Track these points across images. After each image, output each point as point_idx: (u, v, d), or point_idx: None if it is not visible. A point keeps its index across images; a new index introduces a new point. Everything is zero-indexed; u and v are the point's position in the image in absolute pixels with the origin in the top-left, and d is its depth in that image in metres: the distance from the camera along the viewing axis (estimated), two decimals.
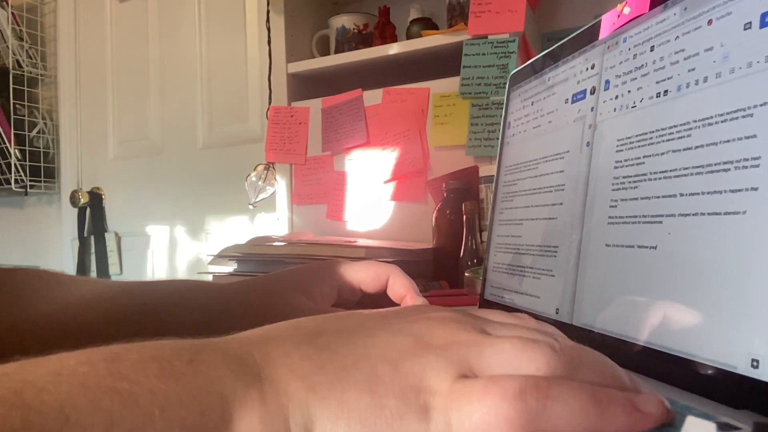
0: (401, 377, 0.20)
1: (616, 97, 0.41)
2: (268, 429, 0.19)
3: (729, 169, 0.29)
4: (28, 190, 1.96)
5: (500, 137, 0.59)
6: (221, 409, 0.18)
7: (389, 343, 0.22)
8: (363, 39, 1.32)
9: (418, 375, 0.20)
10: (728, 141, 0.30)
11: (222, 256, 0.97)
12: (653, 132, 0.36)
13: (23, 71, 1.95)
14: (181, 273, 1.80)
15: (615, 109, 0.40)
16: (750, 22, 0.30)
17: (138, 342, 0.20)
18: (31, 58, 1.99)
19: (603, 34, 0.44)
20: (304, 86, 1.39)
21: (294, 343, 0.22)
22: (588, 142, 0.43)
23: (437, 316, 0.24)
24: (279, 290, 0.42)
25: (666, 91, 0.35)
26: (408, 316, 0.24)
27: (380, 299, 0.44)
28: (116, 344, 0.19)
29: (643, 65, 0.38)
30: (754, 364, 0.26)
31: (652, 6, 0.39)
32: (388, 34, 1.30)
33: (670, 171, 0.33)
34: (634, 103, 0.38)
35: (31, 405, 0.15)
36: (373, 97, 1.23)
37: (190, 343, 0.20)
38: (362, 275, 0.43)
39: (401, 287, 0.43)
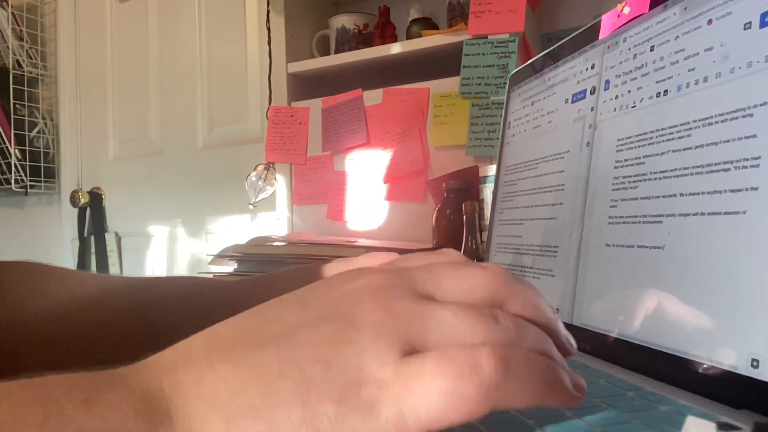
0: (335, 375, 0.18)
1: (616, 96, 0.41)
2: None
3: (729, 169, 0.29)
4: (28, 190, 1.96)
5: (500, 137, 0.59)
6: None
7: (315, 334, 0.19)
8: (363, 39, 1.32)
9: (355, 366, 0.18)
10: (728, 141, 0.30)
11: (222, 256, 0.98)
12: (653, 132, 0.36)
13: (23, 71, 1.95)
14: (181, 273, 1.79)
15: (615, 109, 0.40)
16: (750, 22, 0.30)
17: (31, 378, 0.17)
18: (31, 58, 1.99)
19: (603, 34, 0.44)
20: (304, 86, 1.39)
21: (208, 363, 0.19)
22: (588, 142, 0.43)
23: (362, 285, 0.21)
24: (284, 288, 0.42)
25: (666, 91, 0.35)
26: (330, 291, 0.21)
27: None
28: (1, 381, 0.17)
29: (643, 65, 0.38)
30: (754, 364, 0.26)
31: (652, 6, 0.39)
32: (388, 34, 1.30)
33: (670, 171, 0.33)
34: (634, 102, 0.38)
35: None
36: (373, 97, 1.23)
37: (89, 378, 0.18)
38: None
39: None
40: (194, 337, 0.21)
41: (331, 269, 0.42)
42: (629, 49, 0.40)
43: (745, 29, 0.30)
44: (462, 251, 0.89)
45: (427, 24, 1.27)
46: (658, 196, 0.34)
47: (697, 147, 0.32)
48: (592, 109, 0.43)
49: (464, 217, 0.89)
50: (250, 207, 1.42)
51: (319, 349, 0.18)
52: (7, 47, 1.91)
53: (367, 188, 1.24)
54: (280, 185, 1.36)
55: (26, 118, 1.95)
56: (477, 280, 0.21)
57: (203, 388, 0.18)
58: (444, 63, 1.17)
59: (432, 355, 0.18)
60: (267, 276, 0.44)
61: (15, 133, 1.91)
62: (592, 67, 0.44)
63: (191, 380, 0.18)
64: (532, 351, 0.19)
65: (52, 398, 0.16)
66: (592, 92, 0.44)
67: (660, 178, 0.34)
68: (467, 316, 0.19)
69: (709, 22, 0.33)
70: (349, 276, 0.22)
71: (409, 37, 1.26)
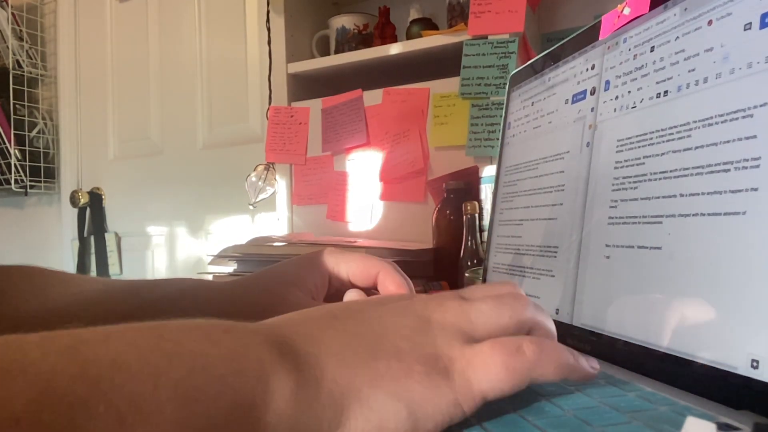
0: (418, 348, 0.24)
1: (617, 97, 0.41)
2: (303, 393, 0.20)
3: (729, 170, 0.29)
4: (28, 190, 1.96)
5: (500, 137, 0.59)
6: (258, 370, 0.20)
7: (396, 323, 0.25)
8: (363, 39, 1.32)
9: (431, 345, 0.24)
10: (728, 141, 0.30)
11: (222, 256, 0.97)
12: (653, 132, 0.36)
13: (23, 71, 1.95)
14: (181, 273, 1.79)
15: (615, 110, 0.40)
16: (750, 23, 0.30)
17: (171, 320, 0.21)
18: (31, 58, 1.99)
19: (603, 34, 0.44)
20: (304, 86, 1.39)
21: (317, 328, 0.24)
22: (588, 143, 0.43)
23: (422, 298, 0.28)
24: (276, 288, 0.42)
25: (666, 92, 0.35)
26: (398, 301, 0.28)
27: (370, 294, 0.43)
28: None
29: (643, 66, 0.38)
30: (754, 364, 0.26)
31: (652, 6, 0.39)
32: (388, 35, 1.30)
33: (670, 171, 0.33)
34: (634, 103, 0.38)
35: (87, 356, 0.17)
36: (373, 97, 1.23)
37: (222, 320, 0.22)
38: (352, 267, 0.42)
39: (393, 285, 0.40)
40: (290, 314, 0.26)
41: (324, 255, 0.43)
42: (629, 50, 0.40)
43: (745, 30, 0.30)
44: (462, 251, 0.89)
45: (427, 24, 1.27)
46: (658, 197, 0.34)
47: (697, 147, 0.32)
48: (592, 109, 0.43)
49: (464, 217, 0.89)
50: (250, 207, 1.42)
51: (402, 332, 0.25)
52: (7, 47, 1.91)
53: (367, 188, 1.24)
54: (280, 185, 1.36)
55: (26, 118, 1.95)
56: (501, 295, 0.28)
57: (317, 340, 0.23)
58: (444, 63, 1.17)
59: (487, 342, 0.25)
60: (262, 274, 0.44)
61: (15, 133, 1.91)
62: (593, 68, 0.44)
63: (306, 333, 0.23)
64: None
65: (201, 328, 0.21)
66: (592, 93, 0.44)
67: (660, 179, 0.34)
68: (495, 303, 0.27)
69: (710, 22, 0.33)
70: (406, 294, 0.31)
71: (409, 37, 1.26)
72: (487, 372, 0.23)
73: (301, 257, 0.44)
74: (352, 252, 0.43)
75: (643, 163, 0.36)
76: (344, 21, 1.33)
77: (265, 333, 0.22)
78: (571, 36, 0.48)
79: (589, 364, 0.26)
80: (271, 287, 0.42)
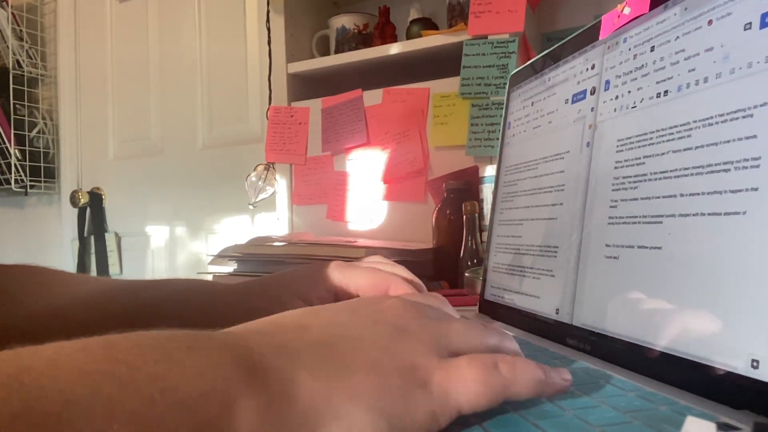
0: (396, 358, 0.23)
1: (617, 97, 0.41)
2: (274, 413, 0.19)
3: (729, 170, 0.29)
4: (28, 190, 1.96)
5: (500, 137, 0.59)
6: (224, 393, 0.18)
7: (373, 332, 0.24)
8: (363, 39, 1.32)
9: (408, 357, 0.24)
10: (728, 141, 0.30)
11: (222, 256, 0.97)
12: (653, 132, 0.36)
13: (23, 71, 1.95)
14: (181, 273, 1.79)
15: (615, 110, 0.40)
16: (750, 23, 0.30)
17: (132, 332, 0.19)
18: (31, 58, 1.99)
19: (603, 34, 0.44)
20: (304, 86, 1.39)
21: (288, 338, 0.23)
22: (588, 143, 0.43)
23: (395, 304, 0.27)
24: (277, 295, 0.42)
25: (666, 92, 0.35)
26: (373, 305, 0.27)
27: None
28: (110, 334, 0.19)
29: (643, 65, 0.38)
30: (754, 364, 0.26)
31: (652, 6, 0.39)
32: (388, 34, 1.30)
33: (671, 171, 0.33)
34: (635, 103, 0.38)
35: (31, 389, 0.15)
36: (373, 97, 1.23)
37: (183, 333, 0.20)
38: (361, 282, 0.42)
39: None
40: (260, 320, 0.25)
41: (332, 268, 0.42)
42: (629, 50, 0.40)
43: (745, 30, 0.30)
44: (462, 251, 0.89)
45: (427, 24, 1.27)
46: (659, 197, 0.34)
47: (697, 147, 0.32)
48: (592, 109, 0.43)
49: (464, 217, 0.89)
50: (250, 207, 1.42)
51: (379, 343, 0.24)
52: (7, 47, 1.91)
53: (367, 188, 1.24)
54: (280, 185, 1.36)
55: (26, 118, 1.95)
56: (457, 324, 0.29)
57: (288, 352, 0.21)
58: (444, 63, 1.17)
59: (465, 357, 0.25)
60: (264, 281, 0.44)
61: (15, 133, 1.91)
62: (593, 68, 0.44)
63: (277, 345, 0.22)
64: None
65: (159, 344, 0.19)
66: (593, 92, 0.44)
67: (660, 179, 0.34)
68: (467, 327, 0.27)
69: (710, 22, 0.33)
70: (378, 299, 0.29)
71: (409, 37, 1.26)
72: (465, 386, 0.23)
73: (308, 268, 0.44)
74: (360, 266, 0.43)
75: (643, 163, 0.36)
76: (344, 21, 1.33)
77: (232, 347, 0.20)
78: (571, 36, 0.48)
79: (561, 377, 0.26)
80: (273, 295, 0.42)
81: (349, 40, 1.32)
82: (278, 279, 0.43)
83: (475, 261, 0.87)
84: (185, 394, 0.17)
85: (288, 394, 0.20)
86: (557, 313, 0.43)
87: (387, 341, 0.24)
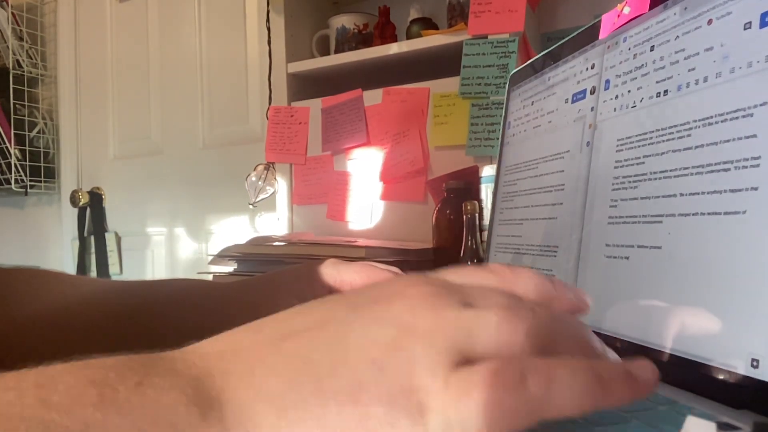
0: (388, 380, 0.18)
1: (616, 96, 0.41)
2: None
3: (729, 169, 0.29)
4: (28, 190, 1.96)
5: (500, 137, 0.59)
6: None
7: (367, 336, 0.19)
8: (363, 39, 1.32)
9: (407, 373, 0.18)
10: (728, 141, 0.30)
11: (222, 256, 0.97)
12: (653, 132, 0.36)
13: (23, 71, 1.95)
14: (181, 273, 1.79)
15: (615, 109, 0.40)
16: (750, 22, 0.30)
17: (81, 360, 0.18)
18: (31, 58, 1.99)
19: (603, 33, 0.44)
20: (304, 86, 1.39)
21: (258, 356, 0.19)
22: (588, 142, 0.43)
23: (415, 292, 0.21)
24: (273, 294, 0.42)
25: (666, 91, 0.35)
26: (382, 295, 0.21)
27: None
28: (54, 364, 0.17)
29: (643, 65, 0.38)
30: (754, 364, 0.26)
31: (652, 6, 0.39)
32: (388, 34, 1.30)
33: (670, 171, 0.33)
34: (634, 102, 0.38)
35: None
36: (373, 97, 1.23)
37: (139, 362, 0.18)
38: (356, 278, 0.40)
39: None
40: (237, 330, 0.21)
41: (326, 264, 0.42)
42: (629, 49, 0.40)
43: (745, 29, 0.30)
44: (462, 251, 0.89)
45: (427, 24, 1.27)
46: (658, 196, 0.34)
47: (697, 147, 0.32)
48: (592, 109, 0.43)
49: (464, 217, 0.89)
50: (250, 207, 1.42)
51: (371, 352, 0.19)
52: (7, 47, 1.91)
53: (367, 188, 1.24)
54: (280, 185, 1.36)
55: (26, 118, 1.95)
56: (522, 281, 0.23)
57: (254, 378, 0.18)
58: (444, 63, 1.17)
59: (480, 369, 0.18)
60: (260, 279, 0.44)
61: (15, 133, 1.91)
62: (592, 67, 0.44)
63: (241, 370, 0.19)
64: (568, 351, 0.20)
65: (105, 380, 0.17)
66: (592, 92, 0.44)
67: (660, 178, 0.34)
68: (507, 315, 0.19)
69: (709, 22, 0.33)
70: (401, 283, 0.22)
71: (409, 37, 1.26)
72: (476, 412, 0.17)
73: (303, 267, 0.43)
74: (355, 263, 0.43)
75: (643, 163, 0.36)
76: (344, 20, 1.33)
77: (188, 379, 0.18)
78: (571, 35, 0.48)
79: (626, 371, 0.19)
80: (268, 293, 0.42)
81: (349, 40, 1.32)
82: (276, 277, 0.43)
83: (475, 261, 0.87)
84: None
85: None
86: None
87: (381, 351, 0.19)
